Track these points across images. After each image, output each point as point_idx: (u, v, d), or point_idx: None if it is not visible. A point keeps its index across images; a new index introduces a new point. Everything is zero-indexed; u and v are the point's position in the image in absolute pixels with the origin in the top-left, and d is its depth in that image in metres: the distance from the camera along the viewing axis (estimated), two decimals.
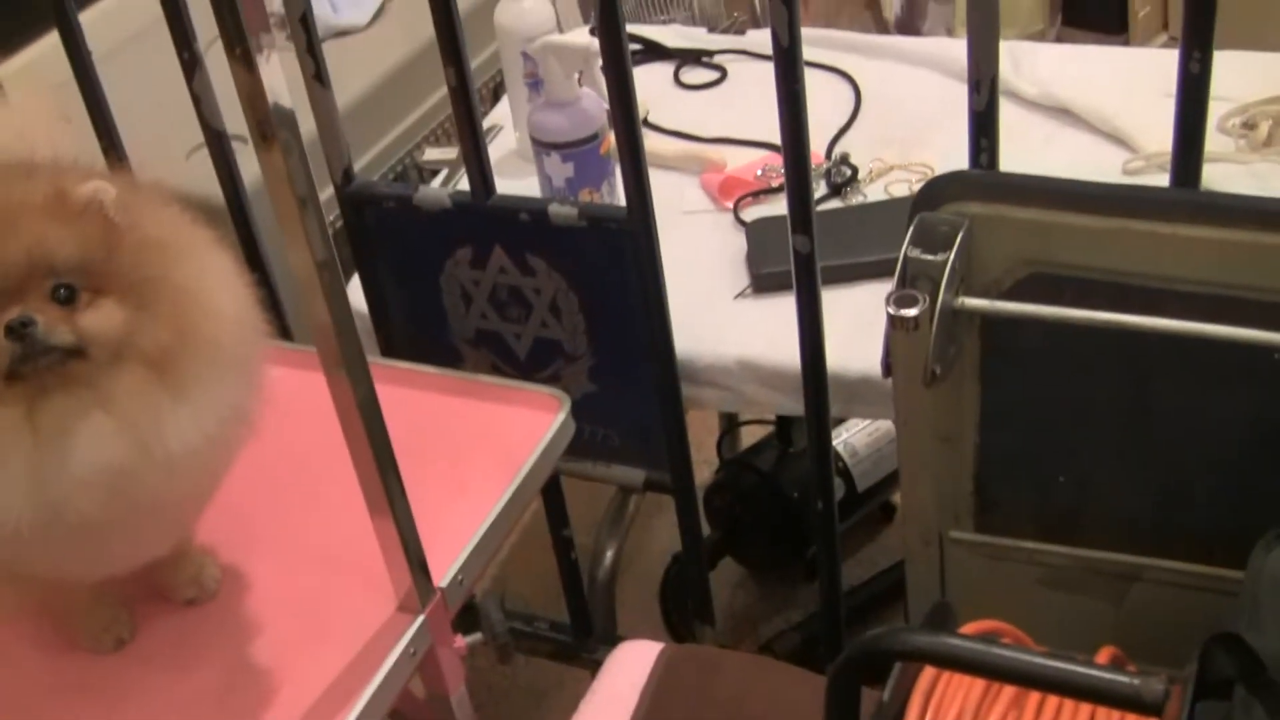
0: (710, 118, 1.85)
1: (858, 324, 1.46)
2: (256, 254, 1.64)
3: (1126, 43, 2.97)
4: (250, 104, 0.91)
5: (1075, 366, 1.26)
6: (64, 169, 1.04)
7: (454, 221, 1.55)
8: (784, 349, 1.46)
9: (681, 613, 2.01)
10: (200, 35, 1.50)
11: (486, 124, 1.82)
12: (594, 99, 1.61)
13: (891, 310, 1.19)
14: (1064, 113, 1.74)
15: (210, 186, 1.60)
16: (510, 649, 1.33)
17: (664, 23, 2.39)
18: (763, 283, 1.57)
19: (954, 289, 1.20)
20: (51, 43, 1.58)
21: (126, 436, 0.96)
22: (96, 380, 0.96)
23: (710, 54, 1.98)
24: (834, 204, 1.68)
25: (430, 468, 1.26)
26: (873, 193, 1.69)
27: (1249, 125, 1.63)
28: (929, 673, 1.06)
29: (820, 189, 1.69)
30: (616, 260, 1.47)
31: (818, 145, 1.59)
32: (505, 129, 1.87)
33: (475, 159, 1.50)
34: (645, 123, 1.81)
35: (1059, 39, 3.02)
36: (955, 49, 1.62)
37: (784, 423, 2.01)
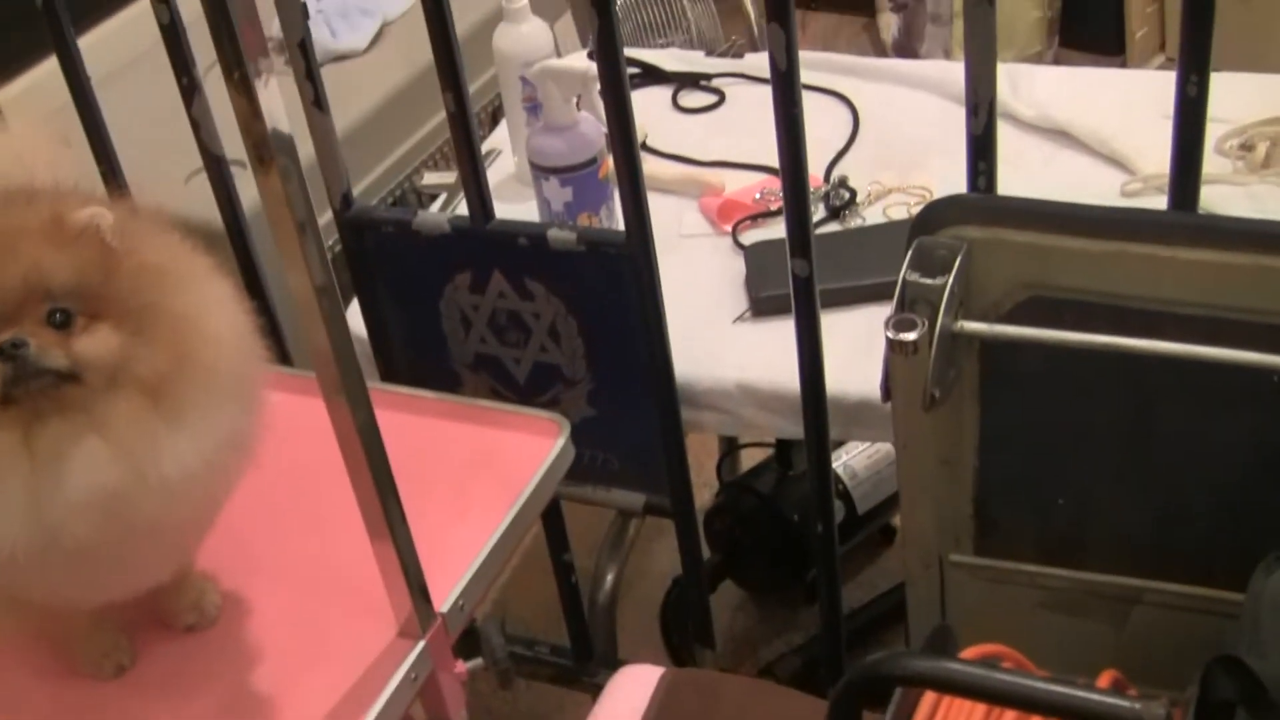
0: (708, 141, 1.85)
1: (857, 347, 1.46)
2: (256, 279, 1.64)
3: (1124, 64, 2.98)
4: (249, 129, 0.91)
5: (1075, 390, 1.26)
6: (63, 194, 1.04)
7: (453, 246, 1.55)
8: (783, 372, 1.46)
9: (682, 636, 2.01)
10: (199, 60, 1.50)
11: (485, 148, 1.82)
12: (592, 123, 1.61)
13: (890, 334, 1.19)
14: (1062, 135, 1.75)
15: (209, 211, 1.60)
16: (511, 674, 1.32)
17: (662, 46, 2.39)
18: (762, 306, 1.57)
19: (953, 313, 1.20)
20: (51, 68, 1.58)
21: (122, 462, 0.96)
22: (92, 405, 0.96)
23: (708, 77, 1.98)
24: (833, 227, 1.69)
25: (430, 493, 1.26)
26: (871, 216, 1.70)
27: (1247, 146, 1.64)
28: (930, 697, 1.06)
29: (819, 212, 1.69)
30: (615, 284, 1.48)
31: (816, 168, 1.60)
32: (504, 153, 1.87)
33: (474, 183, 1.50)
34: (643, 146, 1.81)
35: (1057, 60, 3.03)
36: (953, 72, 1.62)
37: (784, 446, 2.01)
